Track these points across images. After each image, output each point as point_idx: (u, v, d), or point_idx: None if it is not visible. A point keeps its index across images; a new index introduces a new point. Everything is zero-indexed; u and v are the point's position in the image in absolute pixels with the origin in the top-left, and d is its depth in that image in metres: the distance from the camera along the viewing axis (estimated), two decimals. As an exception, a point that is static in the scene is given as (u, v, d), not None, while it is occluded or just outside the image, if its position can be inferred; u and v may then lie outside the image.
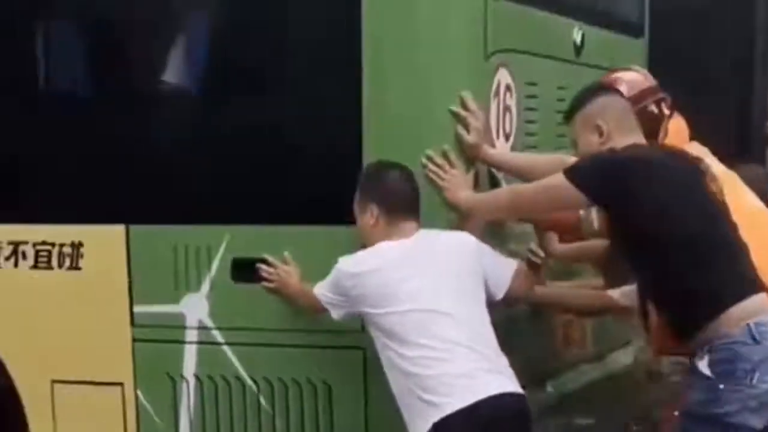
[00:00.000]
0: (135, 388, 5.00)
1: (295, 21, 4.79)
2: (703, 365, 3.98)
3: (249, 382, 4.84)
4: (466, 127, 4.53)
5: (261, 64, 4.82)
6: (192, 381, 4.92)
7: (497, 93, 4.78)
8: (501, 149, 4.81)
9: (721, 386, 3.94)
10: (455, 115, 4.53)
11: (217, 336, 4.87)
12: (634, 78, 4.77)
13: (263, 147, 4.80)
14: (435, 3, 4.61)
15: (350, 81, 4.55)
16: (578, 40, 5.47)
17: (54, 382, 5.12)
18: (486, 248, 4.46)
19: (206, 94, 5.05)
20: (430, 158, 4.52)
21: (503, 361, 4.26)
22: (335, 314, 4.43)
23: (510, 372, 4.24)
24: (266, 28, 4.77)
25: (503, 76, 4.82)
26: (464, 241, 4.41)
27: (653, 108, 4.65)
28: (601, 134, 4.24)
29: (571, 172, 4.13)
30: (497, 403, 4.11)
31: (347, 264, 4.33)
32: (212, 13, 5.06)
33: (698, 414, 4.01)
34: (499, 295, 4.46)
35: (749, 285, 4.01)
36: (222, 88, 4.96)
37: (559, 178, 4.15)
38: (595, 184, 4.08)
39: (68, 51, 5.29)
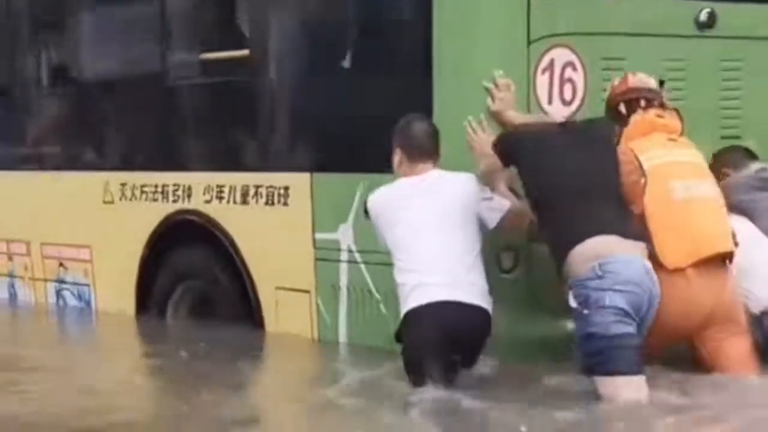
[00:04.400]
0: (316, 296, 6.77)
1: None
2: (571, 300, 5.10)
3: (375, 293, 6.45)
4: (493, 98, 5.83)
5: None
6: (344, 291, 6.61)
7: (547, 69, 5.98)
8: (558, 112, 5.98)
9: (585, 312, 5.03)
10: (486, 90, 5.84)
11: (357, 257, 6.52)
12: (616, 84, 5.87)
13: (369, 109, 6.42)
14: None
15: (425, 69, 6.05)
16: (703, 17, 6.41)
17: (276, 288, 7.02)
18: (485, 189, 5.62)
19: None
20: (469, 123, 5.86)
21: (475, 281, 5.47)
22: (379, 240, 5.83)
23: (475, 289, 5.45)
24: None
25: (559, 55, 6.01)
26: (466, 182, 5.64)
27: (623, 108, 5.77)
28: None
29: (494, 142, 5.45)
30: (443, 309, 5.37)
31: (370, 195, 5.79)
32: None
33: (580, 338, 5.10)
34: (491, 226, 5.63)
35: (598, 227, 5.04)
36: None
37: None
38: (502, 152, 5.39)
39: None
